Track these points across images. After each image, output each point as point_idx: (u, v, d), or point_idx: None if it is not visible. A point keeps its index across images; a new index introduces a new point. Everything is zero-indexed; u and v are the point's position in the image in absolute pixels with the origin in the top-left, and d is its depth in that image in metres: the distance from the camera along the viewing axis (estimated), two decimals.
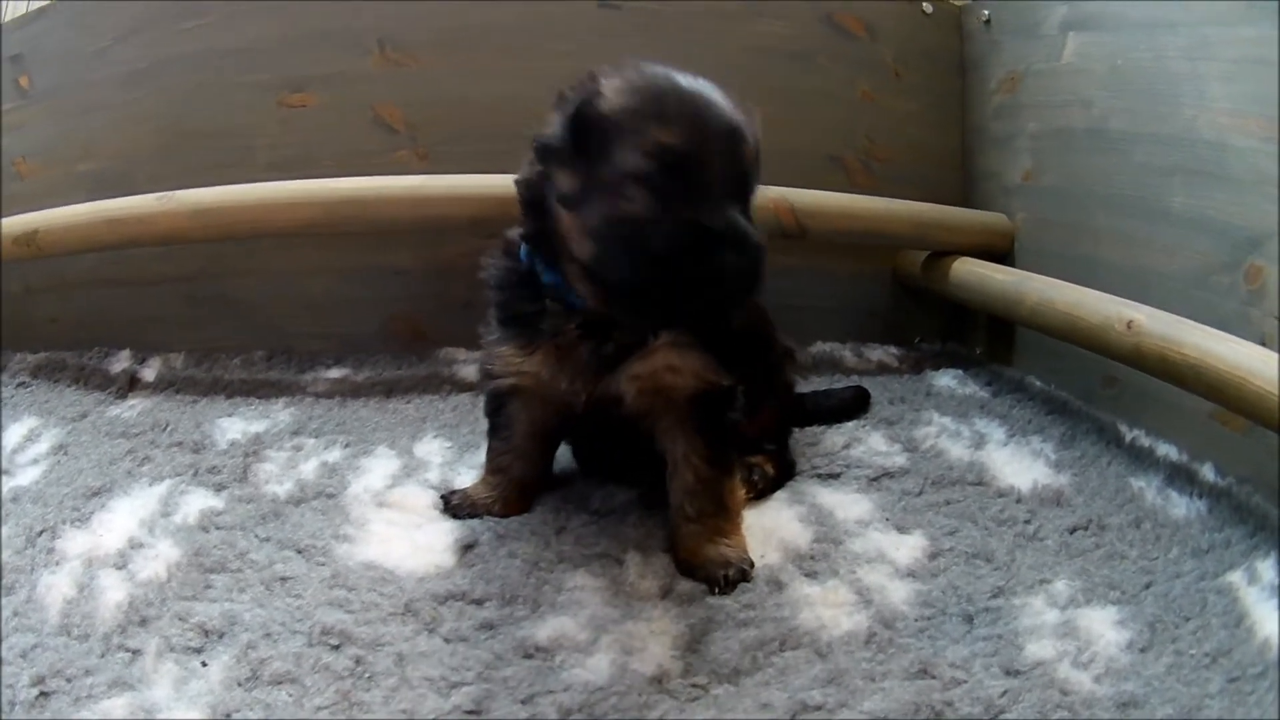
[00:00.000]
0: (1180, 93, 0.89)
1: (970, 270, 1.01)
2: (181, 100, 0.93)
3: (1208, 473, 0.81)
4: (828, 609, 0.55)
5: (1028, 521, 0.69)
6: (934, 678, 0.53)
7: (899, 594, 0.57)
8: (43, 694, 0.47)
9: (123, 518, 0.62)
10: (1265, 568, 0.70)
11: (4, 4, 0.97)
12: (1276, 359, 0.73)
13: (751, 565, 0.57)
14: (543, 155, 0.60)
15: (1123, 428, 0.90)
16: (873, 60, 1.00)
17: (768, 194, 0.86)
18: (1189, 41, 0.90)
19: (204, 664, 0.49)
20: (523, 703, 0.46)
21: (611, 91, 0.58)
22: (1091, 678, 0.58)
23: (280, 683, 0.47)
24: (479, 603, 0.53)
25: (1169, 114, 0.90)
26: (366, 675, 0.48)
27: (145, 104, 0.94)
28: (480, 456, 0.66)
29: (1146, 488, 0.79)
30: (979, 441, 0.81)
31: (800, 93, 0.97)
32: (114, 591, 0.55)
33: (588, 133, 0.57)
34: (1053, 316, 0.95)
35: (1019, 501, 0.72)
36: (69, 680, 0.48)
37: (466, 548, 0.58)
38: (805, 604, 0.55)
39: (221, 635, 0.50)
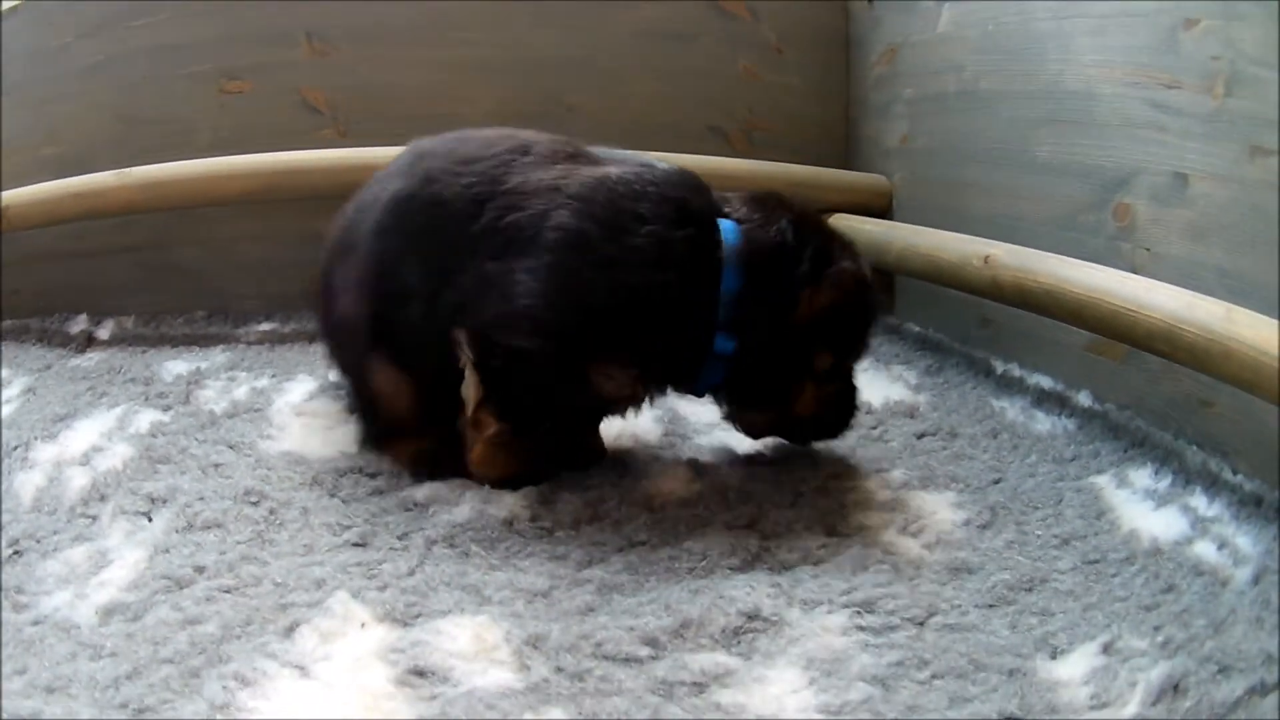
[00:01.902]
0: (1047, 50, 1.07)
1: (843, 224, 1.18)
2: (133, 90, 1.15)
3: (1083, 399, 0.94)
4: (665, 481, 0.74)
5: (874, 428, 0.87)
6: (756, 531, 0.68)
7: (735, 475, 0.76)
8: (16, 553, 0.65)
9: (85, 433, 0.83)
10: (1140, 475, 0.81)
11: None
12: (1133, 279, 0.87)
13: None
14: (806, 333, 0.72)
15: (995, 362, 1.07)
16: (755, 39, 1.22)
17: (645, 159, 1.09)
18: (1057, 2, 1.06)
19: (149, 520, 0.69)
20: (398, 538, 0.65)
21: (861, 286, 0.73)
22: (920, 544, 0.70)
23: (209, 528, 0.67)
24: (372, 475, 0.73)
25: (1036, 71, 1.08)
26: (277, 522, 0.68)
27: (102, 94, 1.15)
28: None
29: (1009, 407, 0.93)
30: None
31: (682, 71, 1.19)
32: (78, 479, 0.74)
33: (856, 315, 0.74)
34: (916, 260, 1.14)
35: (868, 413, 0.90)
36: (38, 541, 0.66)
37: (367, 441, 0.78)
38: (645, 476, 0.74)
39: (165, 501, 0.70)
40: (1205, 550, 0.73)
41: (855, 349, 0.78)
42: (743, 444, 0.82)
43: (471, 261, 0.70)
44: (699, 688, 0.52)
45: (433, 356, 0.71)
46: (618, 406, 0.74)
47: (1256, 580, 0.70)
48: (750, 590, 0.60)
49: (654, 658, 0.54)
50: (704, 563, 0.63)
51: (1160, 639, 0.61)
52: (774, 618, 0.58)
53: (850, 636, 0.58)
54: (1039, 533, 0.73)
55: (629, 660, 0.53)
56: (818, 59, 1.22)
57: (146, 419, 0.85)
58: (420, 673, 0.52)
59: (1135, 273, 0.95)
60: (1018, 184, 1.11)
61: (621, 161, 0.75)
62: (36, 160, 1.14)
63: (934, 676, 0.55)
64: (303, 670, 0.52)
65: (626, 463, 0.76)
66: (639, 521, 0.67)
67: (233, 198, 1.01)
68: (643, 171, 0.72)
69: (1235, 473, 0.84)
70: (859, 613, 0.60)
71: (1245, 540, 0.74)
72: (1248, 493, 0.80)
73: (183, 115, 1.12)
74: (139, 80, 1.13)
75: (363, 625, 0.57)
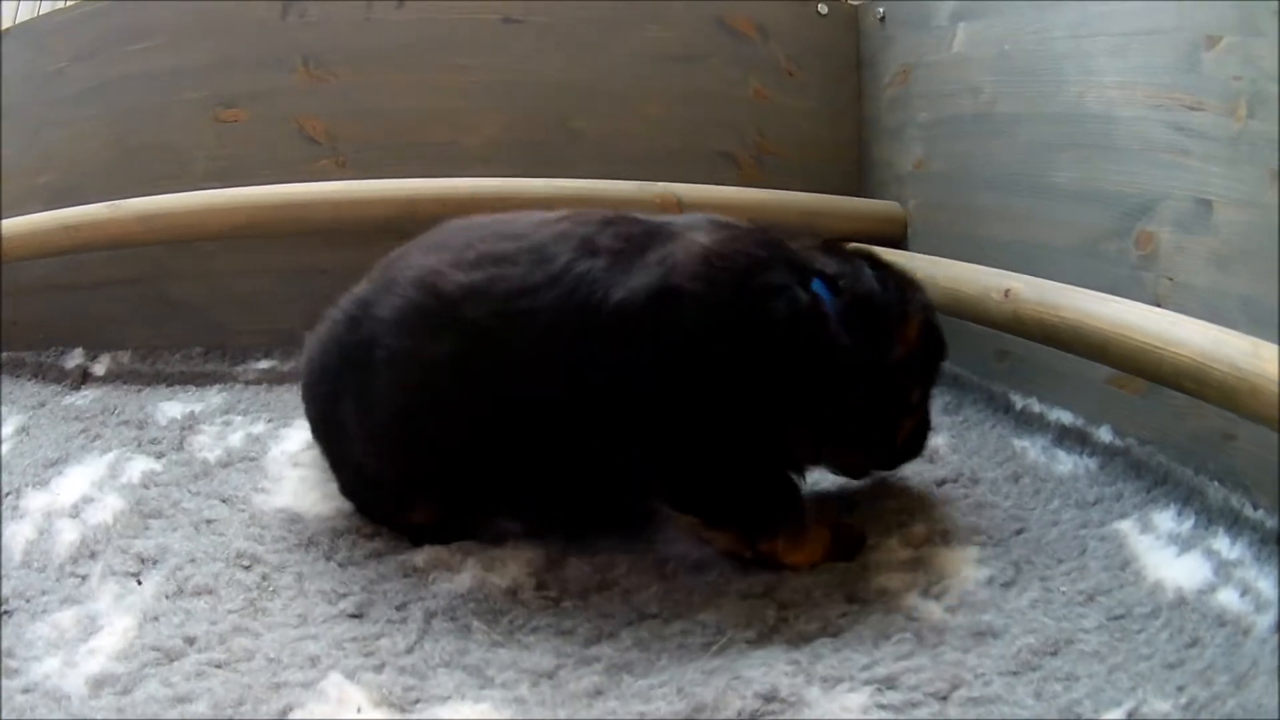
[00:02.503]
0: (1065, 70, 1.02)
1: None
2: (128, 117, 1.12)
3: (1103, 434, 0.92)
4: (677, 544, 0.70)
5: (892, 473, 0.83)
6: (773, 599, 0.65)
7: None
8: (6, 612, 0.62)
9: (76, 481, 0.80)
10: (1163, 518, 0.78)
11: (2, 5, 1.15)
12: (1157, 313, 0.84)
13: None
14: (905, 369, 0.73)
15: (1014, 397, 1.03)
16: (765, 60, 1.18)
17: (653, 189, 1.03)
18: (1075, 19, 1.01)
19: (139, 583, 0.66)
20: (396, 608, 0.62)
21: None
22: (944, 608, 0.67)
23: (200, 594, 0.63)
24: (370, 537, 0.70)
25: (1054, 92, 1.04)
26: (270, 588, 0.64)
27: (96, 121, 1.12)
28: None
29: (1030, 447, 0.90)
30: None
31: (690, 94, 1.14)
32: (68, 534, 0.71)
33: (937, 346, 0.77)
34: (934, 293, 1.10)
35: None
36: (28, 600, 0.64)
37: None
38: (656, 540, 0.70)
39: (155, 562, 0.67)
40: (1228, 598, 0.71)
41: (935, 376, 0.81)
42: None
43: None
44: None
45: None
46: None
47: (1278, 627, 0.67)
48: (767, 669, 0.56)
49: None
50: (719, 637, 0.59)
51: (1184, 700, 0.59)
52: (792, 698, 0.54)
53: (871, 715, 0.55)
54: (1064, 589, 0.70)
55: None
56: (829, 80, 1.18)
57: (139, 467, 0.81)
58: None
59: (1158, 303, 0.92)
60: (1036, 211, 1.06)
61: (694, 228, 0.69)
62: (30, 189, 1.12)
63: None
64: None
65: (636, 524, 0.72)
66: (650, 591, 0.64)
67: (228, 232, 0.98)
68: (731, 238, 0.68)
69: (1256, 508, 0.81)
70: (880, 689, 0.57)
71: (1267, 584, 0.72)
72: (1269, 530, 0.77)
73: (177, 144, 1.08)
74: (133, 107, 1.10)
75: (359, 710, 0.54)
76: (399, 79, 1.09)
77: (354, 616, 0.62)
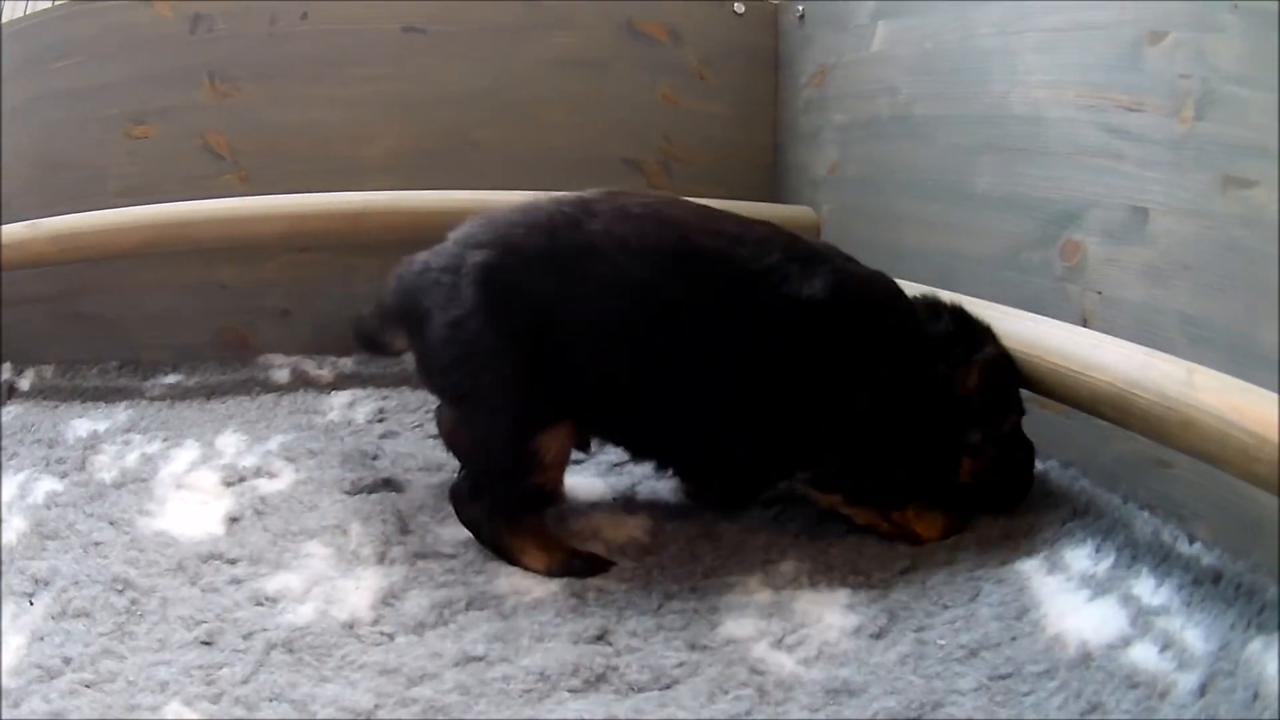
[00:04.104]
0: (990, 69, 0.97)
1: None
2: (49, 135, 1.12)
3: None
4: (524, 579, 0.71)
5: (771, 504, 0.80)
6: (608, 644, 0.63)
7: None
8: None
9: None
10: (1076, 556, 0.71)
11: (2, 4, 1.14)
12: (1080, 333, 0.80)
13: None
14: (968, 407, 0.78)
15: None
16: (675, 64, 1.14)
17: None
18: (1003, 15, 0.96)
19: (31, 603, 0.70)
20: (243, 637, 0.65)
21: (1009, 368, 0.80)
22: (797, 660, 0.62)
23: (78, 616, 0.67)
24: (233, 562, 0.73)
25: (977, 93, 0.99)
26: (138, 613, 0.68)
27: (21, 139, 1.13)
28: (272, 446, 0.89)
29: None
30: None
31: (595, 100, 1.12)
32: None
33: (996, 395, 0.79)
34: None
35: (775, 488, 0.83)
36: None
37: (233, 520, 0.78)
38: (504, 573, 0.71)
39: (46, 583, 0.71)
40: (1144, 654, 0.63)
41: (999, 423, 0.81)
42: (619, 527, 0.78)
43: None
44: None
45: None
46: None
47: (1203, 691, 0.60)
48: None
49: None
50: (541, 684, 0.59)
51: None
52: None
53: None
54: (942, 641, 0.65)
55: None
56: (744, 82, 1.14)
57: (44, 488, 0.85)
58: None
59: (1084, 319, 0.88)
60: (955, 218, 1.02)
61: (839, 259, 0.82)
62: None
63: None
64: None
65: (490, 555, 0.73)
66: (482, 630, 0.65)
67: (135, 249, 0.99)
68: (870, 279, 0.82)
69: (1192, 541, 0.75)
70: None
71: (1195, 635, 0.64)
72: (1204, 568, 0.71)
73: (94, 161, 1.09)
74: (53, 125, 1.10)
75: None
76: (301, 92, 1.09)
77: (205, 644, 0.65)
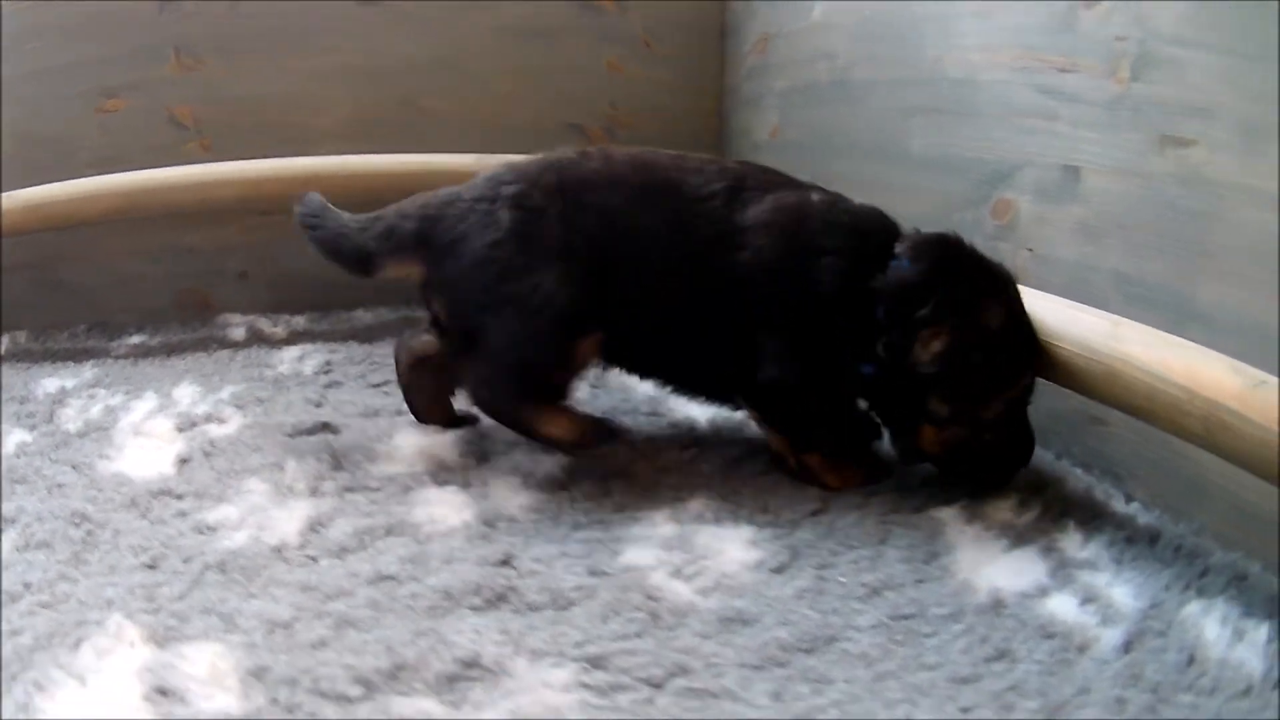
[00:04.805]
0: (926, 34, 1.02)
1: None
2: (26, 111, 1.20)
3: None
4: (441, 508, 0.77)
5: (687, 447, 0.86)
6: (512, 568, 0.68)
7: (516, 501, 0.78)
8: None
9: None
10: (999, 508, 0.72)
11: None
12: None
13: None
14: (932, 380, 0.74)
15: None
16: (622, 32, 1.20)
17: (489, 162, 1.02)
18: None
19: None
20: (183, 561, 0.72)
21: (1000, 336, 0.75)
22: (694, 589, 0.64)
23: (40, 547, 0.74)
24: (180, 497, 0.80)
25: (913, 57, 1.04)
26: (92, 543, 0.75)
27: (5, 114, 1.20)
28: (224, 395, 0.96)
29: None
30: None
31: (541, 69, 1.18)
32: None
33: (970, 369, 0.74)
34: None
35: (691, 431, 0.91)
36: None
37: (183, 461, 0.85)
38: (421, 504, 0.77)
39: (14, 521, 0.78)
40: (1062, 606, 0.62)
41: (973, 399, 0.76)
42: (536, 465, 0.83)
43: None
44: None
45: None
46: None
47: (1128, 648, 0.58)
48: (477, 635, 0.61)
49: (363, 698, 0.56)
50: (444, 601, 0.65)
51: None
52: (495, 667, 0.58)
53: (572, 694, 0.56)
54: (843, 579, 0.66)
55: (339, 698, 0.57)
56: (690, 51, 1.19)
57: (15, 439, 0.93)
58: (163, 692, 0.59)
59: (1016, 276, 0.89)
60: (890, 178, 1.06)
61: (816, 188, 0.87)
62: None
63: None
64: (81, 681, 0.59)
65: (413, 487, 0.80)
66: (397, 554, 0.71)
67: (102, 216, 1.07)
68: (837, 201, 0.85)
69: (1129, 501, 0.77)
70: (587, 668, 0.58)
71: (1124, 592, 0.64)
72: (1140, 527, 0.72)
73: (67, 134, 1.16)
74: (29, 102, 1.17)
75: (131, 645, 0.64)
76: (261, 64, 1.16)
77: (149, 567, 0.72)
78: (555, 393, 0.85)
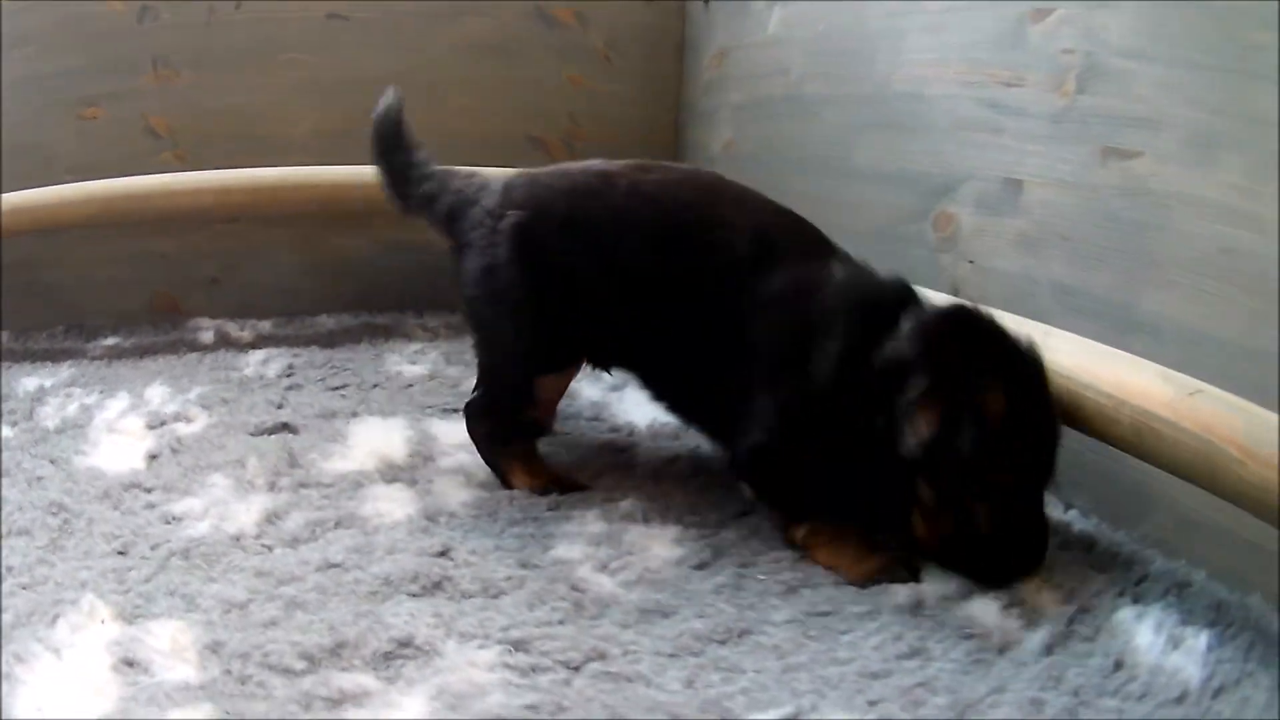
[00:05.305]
0: (877, 50, 1.09)
1: None
2: (10, 119, 1.28)
3: None
4: (387, 503, 0.85)
5: (623, 450, 0.94)
6: (449, 559, 0.75)
7: (458, 497, 0.87)
8: None
9: None
10: None
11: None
12: (935, 299, 0.84)
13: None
14: (913, 457, 0.69)
15: None
16: (582, 47, 1.29)
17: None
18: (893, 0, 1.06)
19: None
20: (151, 548, 0.80)
21: (997, 422, 0.69)
22: (618, 583, 0.69)
23: (20, 534, 0.82)
24: (149, 490, 0.89)
25: (864, 73, 1.10)
26: (69, 531, 0.83)
27: None
28: (192, 396, 1.05)
29: None
30: (614, 386, 1.07)
31: (504, 83, 1.27)
32: None
33: (957, 456, 0.69)
34: None
35: (630, 434, 0.99)
36: None
37: (153, 457, 0.95)
38: (370, 499, 0.86)
39: None
40: (983, 609, 0.65)
41: (961, 487, 0.72)
42: (482, 470, 0.90)
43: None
44: (335, 704, 0.61)
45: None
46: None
47: (1050, 649, 0.60)
48: (412, 618, 0.68)
49: (307, 672, 0.64)
50: (384, 587, 0.73)
51: (873, 717, 0.53)
52: (427, 647, 0.65)
53: (495, 674, 0.62)
54: (762, 577, 0.70)
55: (286, 671, 0.64)
56: (649, 65, 1.28)
57: None
58: (129, 663, 0.67)
59: (955, 288, 0.96)
60: (840, 193, 1.13)
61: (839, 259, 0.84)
62: None
63: None
64: (56, 653, 0.67)
65: (363, 484, 0.89)
66: (345, 544, 0.80)
67: (81, 222, 1.16)
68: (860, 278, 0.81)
69: (1067, 509, 0.81)
70: (511, 650, 0.64)
71: (1053, 596, 0.65)
72: (1075, 534, 0.75)
73: (48, 142, 1.25)
74: (15, 110, 1.26)
75: (102, 622, 0.73)
76: (233, 77, 1.25)
77: (120, 553, 0.81)
78: (530, 429, 0.91)
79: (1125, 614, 0.67)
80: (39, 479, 0.93)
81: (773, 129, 1.24)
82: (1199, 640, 0.64)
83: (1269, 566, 0.70)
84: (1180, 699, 0.59)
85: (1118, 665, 0.62)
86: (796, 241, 0.84)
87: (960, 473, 0.72)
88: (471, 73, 1.27)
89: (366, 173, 1.02)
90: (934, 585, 0.69)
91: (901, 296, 0.80)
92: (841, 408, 0.76)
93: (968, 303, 0.79)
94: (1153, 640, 0.64)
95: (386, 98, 0.98)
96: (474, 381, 0.93)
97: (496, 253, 0.87)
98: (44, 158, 1.26)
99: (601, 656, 0.64)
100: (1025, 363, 0.75)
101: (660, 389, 0.91)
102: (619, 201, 0.86)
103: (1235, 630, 0.65)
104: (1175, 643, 0.64)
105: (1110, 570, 0.72)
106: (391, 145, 0.96)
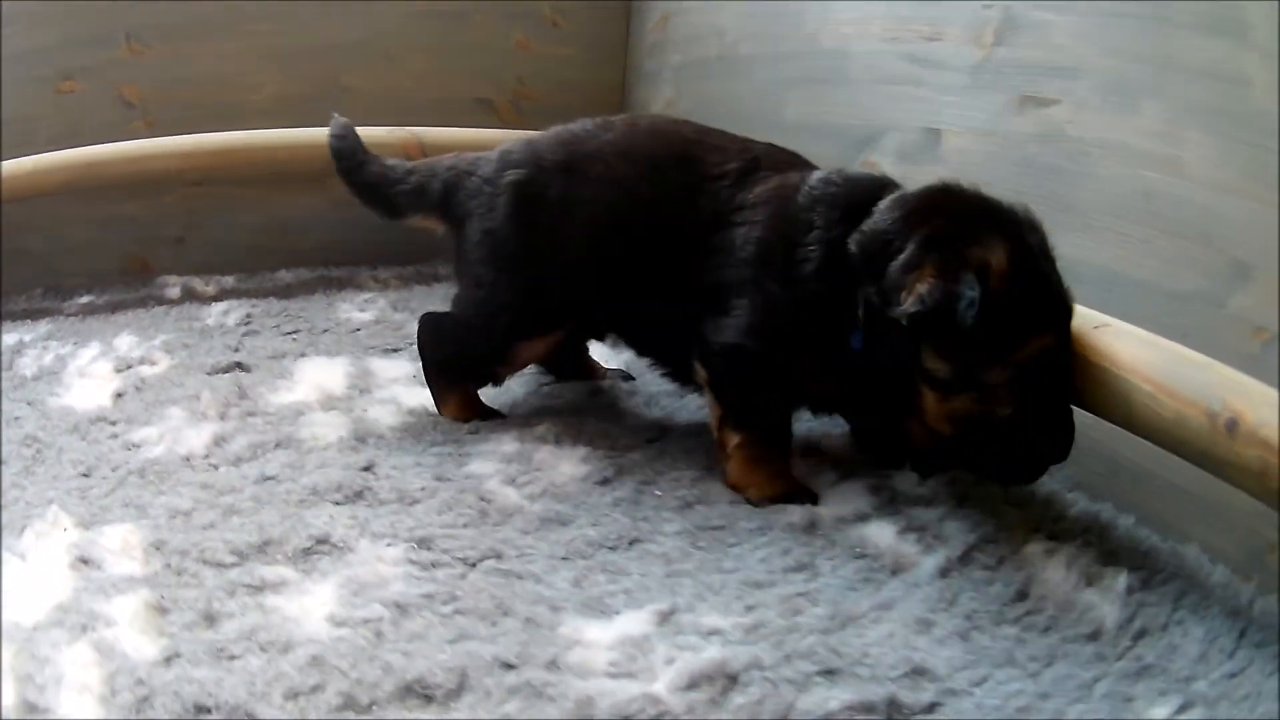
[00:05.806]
0: (806, 11, 1.18)
1: None
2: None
3: None
4: (323, 428, 0.94)
5: (548, 385, 1.02)
6: (372, 473, 0.84)
7: (386, 423, 0.96)
8: None
9: None
10: (837, 449, 0.81)
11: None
12: None
13: None
14: (916, 323, 0.67)
15: None
16: (529, 13, 1.38)
17: (398, 134, 1.25)
18: None
19: None
20: (111, 470, 0.91)
21: (1002, 279, 0.67)
22: (524, 495, 0.76)
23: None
24: (114, 423, 1.00)
25: (792, 33, 1.20)
26: (43, 460, 0.94)
27: None
28: (157, 343, 1.17)
29: None
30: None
31: (454, 47, 1.36)
32: None
33: (972, 326, 0.65)
34: None
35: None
36: None
37: (119, 395, 1.06)
38: (306, 425, 0.96)
39: None
40: (879, 532, 0.67)
41: (975, 351, 0.68)
42: (414, 398, 1.00)
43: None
44: (256, 590, 0.71)
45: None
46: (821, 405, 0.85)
47: (944, 573, 0.61)
48: (331, 519, 0.79)
49: (235, 565, 0.74)
50: (311, 496, 0.83)
51: (749, 620, 0.56)
52: (342, 544, 0.75)
53: (399, 568, 0.71)
54: (659, 493, 0.77)
55: (218, 565, 0.75)
56: (596, 29, 1.37)
57: None
58: (84, 561, 0.78)
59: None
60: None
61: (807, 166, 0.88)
62: None
63: (456, 612, 0.64)
64: (23, 557, 0.78)
65: (304, 412, 0.99)
66: (280, 461, 0.90)
67: (59, 188, 1.27)
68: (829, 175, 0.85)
69: None
70: (415, 548, 0.73)
71: (958, 526, 0.65)
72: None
73: (29, 114, 1.37)
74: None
75: (65, 529, 0.84)
76: (199, 47, 1.36)
77: (84, 475, 0.92)
78: (488, 378, 0.98)
79: (1035, 548, 0.68)
80: (16, 419, 1.04)
81: (709, 88, 1.33)
82: (1118, 580, 0.64)
83: (1203, 516, 0.71)
84: (1093, 636, 0.60)
85: (1021, 595, 0.64)
86: (782, 158, 0.90)
87: (967, 330, 0.68)
88: (424, 38, 1.36)
89: (319, 133, 1.12)
90: (831, 508, 0.74)
91: (882, 185, 0.81)
92: (825, 301, 0.76)
93: (949, 181, 0.78)
94: (1065, 575, 0.64)
95: (334, 124, 1.03)
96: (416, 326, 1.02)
97: (495, 215, 0.92)
98: (26, 130, 1.37)
99: (498, 556, 0.72)
100: (1023, 226, 0.73)
101: (647, 338, 0.94)
102: (617, 137, 0.92)
103: (1165, 577, 0.65)
104: (1090, 580, 0.64)
105: (1026, 508, 0.75)
106: (355, 164, 1.02)
